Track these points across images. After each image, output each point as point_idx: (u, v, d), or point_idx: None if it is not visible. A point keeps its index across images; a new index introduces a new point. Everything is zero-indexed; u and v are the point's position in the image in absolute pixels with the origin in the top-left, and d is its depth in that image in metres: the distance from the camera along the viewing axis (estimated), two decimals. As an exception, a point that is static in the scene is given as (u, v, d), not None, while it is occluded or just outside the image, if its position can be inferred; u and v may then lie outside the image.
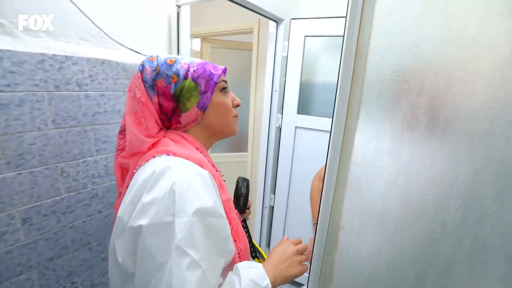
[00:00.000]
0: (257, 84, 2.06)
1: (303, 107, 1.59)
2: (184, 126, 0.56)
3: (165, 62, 0.53)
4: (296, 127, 1.62)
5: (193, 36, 2.41)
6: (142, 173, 0.46)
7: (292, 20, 1.49)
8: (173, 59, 0.53)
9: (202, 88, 0.54)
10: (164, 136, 0.54)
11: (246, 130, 2.23)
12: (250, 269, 0.49)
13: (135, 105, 0.52)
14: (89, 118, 0.80)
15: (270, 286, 0.49)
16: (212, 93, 0.55)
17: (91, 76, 0.78)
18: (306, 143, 1.61)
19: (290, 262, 0.55)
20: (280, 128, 1.67)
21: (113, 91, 0.84)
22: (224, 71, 0.58)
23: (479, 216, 0.51)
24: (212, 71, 0.55)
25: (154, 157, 0.48)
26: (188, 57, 0.58)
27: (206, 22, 2.24)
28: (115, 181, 0.90)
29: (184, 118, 0.55)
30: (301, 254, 0.59)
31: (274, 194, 1.79)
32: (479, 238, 0.51)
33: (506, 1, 0.45)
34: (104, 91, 0.82)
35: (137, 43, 0.89)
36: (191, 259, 0.39)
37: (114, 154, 0.88)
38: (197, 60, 0.56)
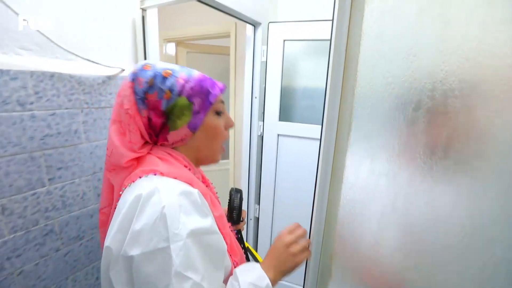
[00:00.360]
0: (236, 90, 1.98)
1: (285, 114, 1.53)
2: (171, 144, 0.52)
3: (160, 73, 0.48)
4: (278, 134, 1.55)
5: (167, 40, 2.29)
6: (129, 196, 0.43)
7: (270, 24, 1.43)
8: (170, 71, 0.48)
9: (196, 107, 0.49)
10: (150, 153, 0.50)
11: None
12: (248, 272, 0.49)
13: (122, 115, 0.48)
14: (37, 142, 0.67)
15: (270, 285, 0.49)
16: (205, 114, 0.51)
17: (37, 93, 0.66)
18: (290, 151, 1.55)
19: (285, 257, 0.54)
20: (262, 136, 1.60)
21: (67, 108, 0.72)
22: (223, 89, 0.53)
23: (487, 242, 0.46)
24: (209, 89, 0.50)
25: (140, 177, 0.45)
26: (187, 68, 0.51)
27: (180, 25, 2.13)
28: (74, 212, 0.78)
29: (172, 136, 0.51)
30: (299, 241, 0.57)
31: (259, 204, 1.72)
32: (488, 267, 0.45)
33: (511, 7, 0.40)
34: (55, 109, 0.70)
35: (95, 52, 0.77)
36: (192, 282, 0.39)
37: (72, 181, 0.76)
38: (196, 74, 0.50)
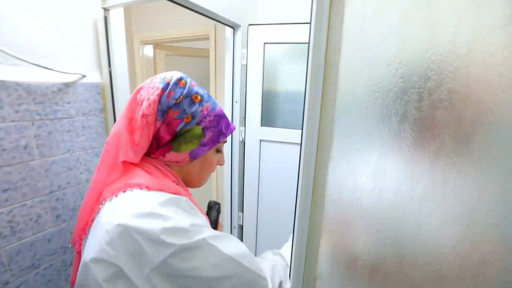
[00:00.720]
0: (217, 94, 1.91)
1: (267, 119, 1.48)
2: (165, 161, 0.53)
3: (191, 96, 0.49)
4: (260, 140, 1.50)
5: (144, 42, 2.18)
6: (115, 217, 0.40)
7: (249, 26, 1.37)
8: (200, 97, 0.50)
9: (205, 140, 0.51)
10: (137, 166, 0.49)
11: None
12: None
13: (137, 115, 0.47)
14: (-25, 161, 0.58)
15: None
16: (209, 149, 0.53)
17: (-27, 105, 0.56)
18: (273, 156, 1.51)
19: None
20: (244, 142, 1.54)
21: (13, 121, 0.63)
22: (232, 132, 0.56)
23: (480, 265, 0.42)
24: (223, 129, 0.53)
25: (124, 191, 0.44)
26: (212, 99, 0.53)
27: (158, 27, 2.03)
28: (27, 239, 0.68)
29: (170, 156, 0.51)
30: None
31: (243, 212, 1.66)
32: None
33: (503, 10, 0.36)
34: (-2, 123, 0.60)
35: (49, 57, 0.68)
36: (227, 235, 0.45)
37: (22, 203, 0.67)
38: (217, 108, 0.53)
